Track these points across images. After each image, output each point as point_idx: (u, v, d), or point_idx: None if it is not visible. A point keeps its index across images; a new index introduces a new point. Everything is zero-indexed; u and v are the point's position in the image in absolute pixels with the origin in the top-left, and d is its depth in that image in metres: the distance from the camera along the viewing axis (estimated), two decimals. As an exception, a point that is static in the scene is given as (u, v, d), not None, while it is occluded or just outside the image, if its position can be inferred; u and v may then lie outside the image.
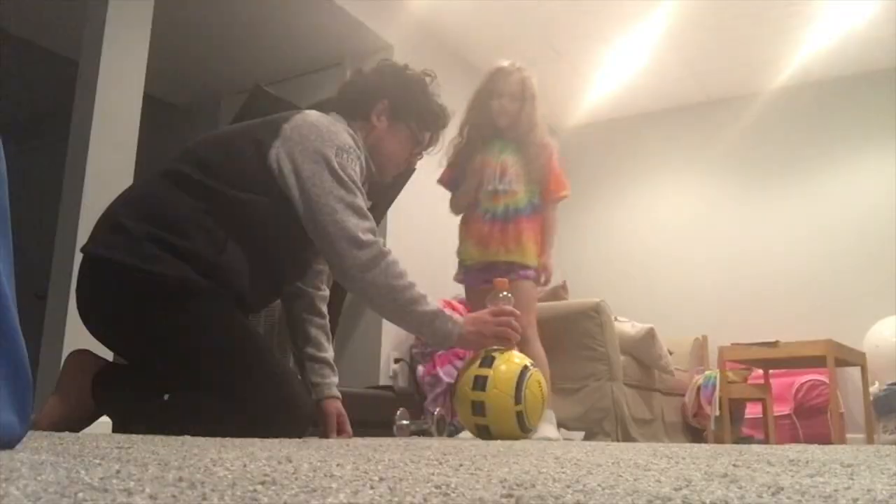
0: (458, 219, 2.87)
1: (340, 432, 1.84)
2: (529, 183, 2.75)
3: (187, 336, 1.55)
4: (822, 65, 4.76)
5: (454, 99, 2.91)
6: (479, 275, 2.77)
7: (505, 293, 2.23)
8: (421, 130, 1.97)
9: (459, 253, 2.84)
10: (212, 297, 1.57)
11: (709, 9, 4.19)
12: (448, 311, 1.78)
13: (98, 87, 2.83)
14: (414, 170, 3.40)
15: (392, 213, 3.61)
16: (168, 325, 1.55)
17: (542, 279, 2.80)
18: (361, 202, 1.69)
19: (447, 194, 2.88)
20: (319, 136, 1.68)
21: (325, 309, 1.98)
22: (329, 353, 1.95)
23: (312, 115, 1.76)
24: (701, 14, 4.25)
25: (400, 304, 1.69)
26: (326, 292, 2.00)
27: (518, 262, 2.70)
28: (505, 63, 2.80)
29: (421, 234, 3.02)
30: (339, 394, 1.90)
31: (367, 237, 1.66)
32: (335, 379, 1.92)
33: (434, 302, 1.75)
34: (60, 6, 3.75)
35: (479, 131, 2.79)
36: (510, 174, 2.73)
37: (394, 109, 1.90)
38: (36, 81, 4.63)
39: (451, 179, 2.87)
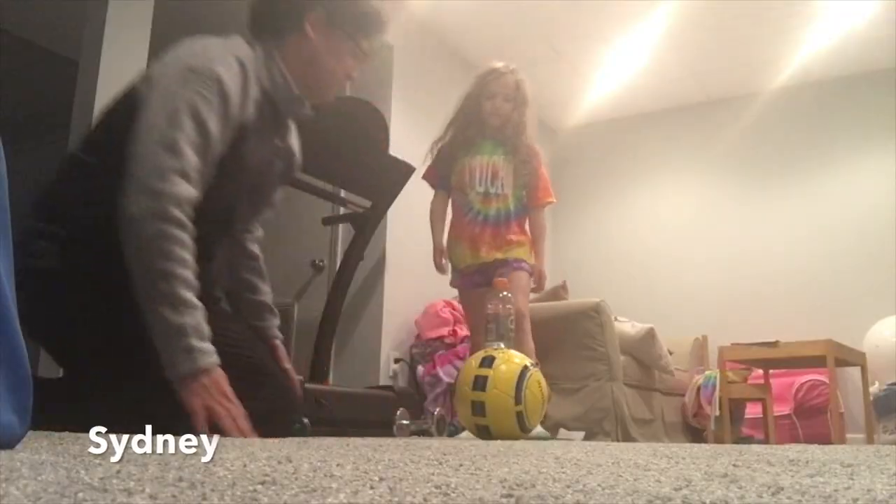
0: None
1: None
2: (516, 187, 2.76)
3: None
4: (822, 65, 4.75)
5: (454, 99, 2.92)
6: (472, 277, 2.78)
7: (504, 293, 2.23)
8: (361, 38, 1.70)
9: (451, 257, 2.84)
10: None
11: (709, 9, 4.19)
12: (204, 346, 1.34)
13: (98, 87, 2.83)
14: (414, 169, 3.42)
15: (392, 213, 3.61)
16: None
17: (537, 284, 2.81)
18: (184, 138, 1.39)
19: None
20: (175, 60, 1.48)
21: (257, 250, 1.82)
22: (265, 295, 1.81)
23: (185, 40, 1.51)
24: (701, 14, 4.25)
25: (147, 289, 1.33)
26: (259, 232, 1.84)
27: (511, 258, 2.70)
28: (499, 64, 2.77)
29: (421, 235, 3.01)
30: (281, 336, 1.79)
31: (162, 185, 1.34)
32: (276, 320, 1.80)
33: (195, 318, 1.34)
34: (60, 6, 3.75)
35: (465, 132, 2.78)
36: (501, 176, 2.73)
37: (329, 17, 1.64)
38: (36, 81, 4.63)
39: (436, 176, 2.87)
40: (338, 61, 1.68)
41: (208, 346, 1.35)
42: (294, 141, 1.78)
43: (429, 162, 2.88)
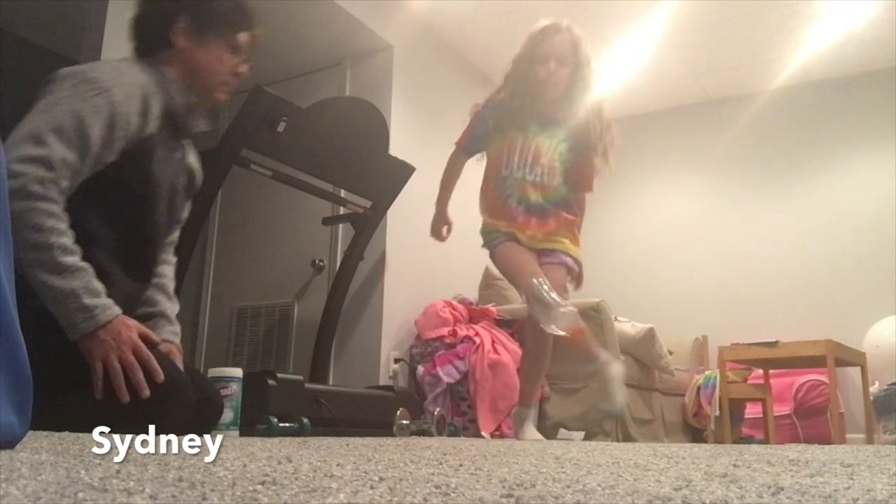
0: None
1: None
2: (563, 172, 2.43)
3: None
4: (822, 65, 4.75)
5: (454, 99, 2.93)
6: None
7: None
8: (232, 34, 1.73)
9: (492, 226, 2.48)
10: None
11: (709, 9, 4.19)
12: (99, 302, 1.41)
13: (98, 87, 2.82)
14: (413, 169, 3.42)
15: (392, 213, 3.61)
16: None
17: (578, 280, 2.56)
18: (55, 132, 1.45)
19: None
20: (75, 70, 1.59)
21: (167, 271, 1.82)
22: (164, 306, 1.76)
23: (94, 62, 1.59)
24: (701, 14, 4.25)
25: (30, 263, 1.37)
26: (173, 258, 1.85)
27: (561, 250, 2.48)
28: (550, 21, 2.34)
29: (421, 235, 3.00)
30: (175, 341, 1.73)
31: (21, 168, 1.39)
32: (173, 328, 1.75)
33: (84, 280, 1.40)
34: (60, 6, 3.75)
35: (513, 102, 2.39)
36: (543, 163, 2.37)
37: (195, 23, 1.69)
38: (36, 81, 4.63)
39: (466, 144, 2.58)
40: (216, 62, 1.73)
41: (103, 301, 1.42)
42: (193, 159, 1.86)
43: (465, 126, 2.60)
